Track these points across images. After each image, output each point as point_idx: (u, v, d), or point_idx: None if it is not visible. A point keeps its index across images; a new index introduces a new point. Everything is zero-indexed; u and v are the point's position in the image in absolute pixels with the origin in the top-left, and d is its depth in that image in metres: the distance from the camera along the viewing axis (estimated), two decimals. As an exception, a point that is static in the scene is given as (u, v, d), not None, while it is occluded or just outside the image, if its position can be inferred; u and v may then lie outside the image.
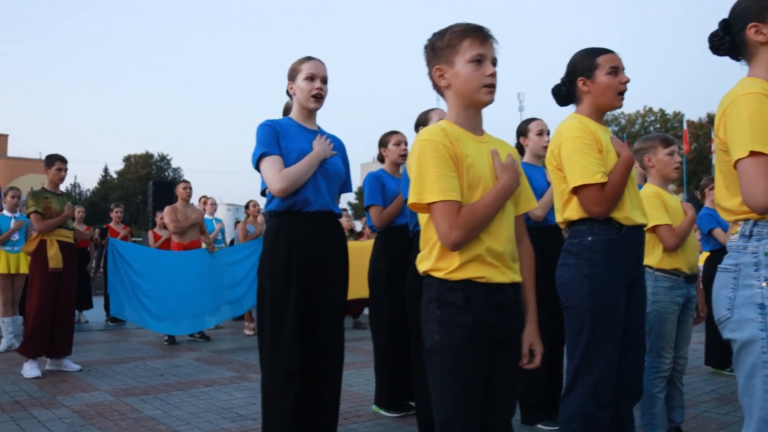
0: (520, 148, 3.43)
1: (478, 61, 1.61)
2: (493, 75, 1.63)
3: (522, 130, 3.50)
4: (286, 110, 3.31)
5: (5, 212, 6.00)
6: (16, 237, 5.87)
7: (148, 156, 45.45)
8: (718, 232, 4.63)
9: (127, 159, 45.86)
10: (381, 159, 3.74)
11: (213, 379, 4.47)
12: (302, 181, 2.38)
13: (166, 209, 6.28)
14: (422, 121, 3.36)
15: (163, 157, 45.94)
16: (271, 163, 2.38)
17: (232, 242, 7.99)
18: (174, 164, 46.51)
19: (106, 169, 47.56)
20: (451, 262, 1.57)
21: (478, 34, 1.63)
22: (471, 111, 1.68)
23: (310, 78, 2.50)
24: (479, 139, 1.67)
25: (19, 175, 33.56)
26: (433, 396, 1.60)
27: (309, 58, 2.55)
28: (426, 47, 1.71)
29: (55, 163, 4.69)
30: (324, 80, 2.53)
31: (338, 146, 2.63)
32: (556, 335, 3.05)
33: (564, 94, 2.23)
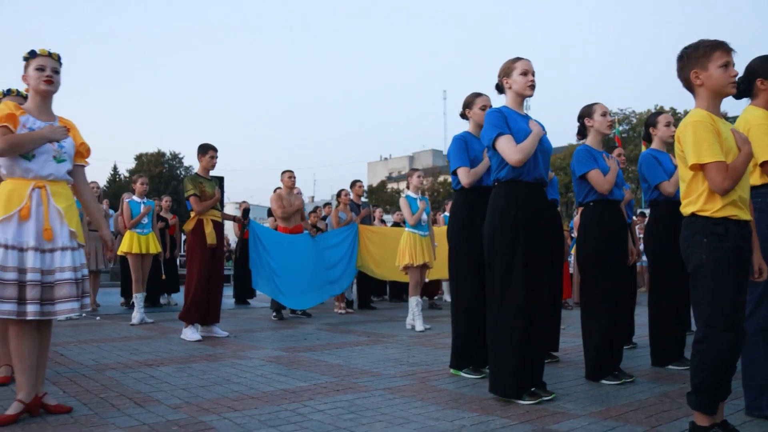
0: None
1: (725, 65, 2.24)
2: (736, 75, 2.26)
3: (651, 122, 4.10)
4: (467, 104, 3.91)
5: (135, 198, 6.59)
6: (145, 220, 6.47)
7: (160, 154, 45.83)
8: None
9: (139, 157, 46.25)
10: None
11: (353, 341, 5.06)
12: (531, 154, 2.98)
13: (273, 196, 6.87)
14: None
15: (175, 156, 46.35)
16: (506, 140, 2.98)
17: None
18: (186, 162, 46.92)
19: (115, 168, 47.98)
20: (714, 205, 2.20)
21: (725, 47, 2.26)
22: (717, 101, 2.30)
23: (525, 73, 3.10)
24: (722, 121, 2.30)
25: None
26: (701, 302, 2.21)
27: (520, 58, 3.16)
28: (681, 57, 2.33)
29: (209, 151, 5.29)
30: (534, 73, 3.13)
31: (543, 129, 3.23)
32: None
33: (742, 90, 2.84)
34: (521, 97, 3.17)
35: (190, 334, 5.08)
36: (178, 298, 8.87)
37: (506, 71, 3.17)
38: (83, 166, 2.92)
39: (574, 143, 38.06)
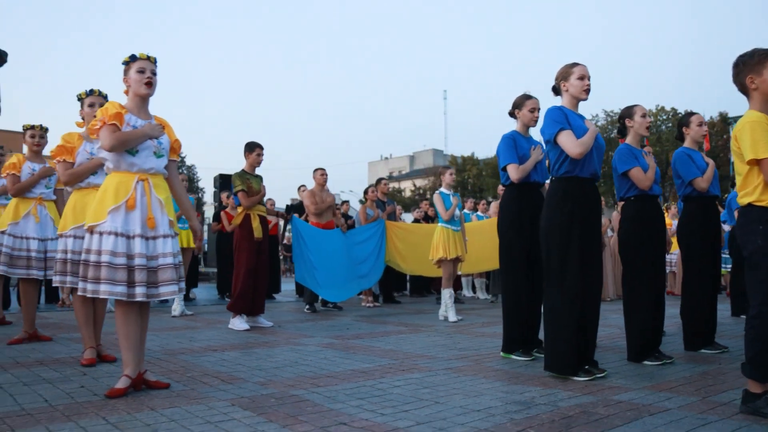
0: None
1: None
2: None
3: (684, 122, 4.36)
4: (517, 105, 4.16)
5: None
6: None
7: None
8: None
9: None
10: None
11: (395, 330, 5.31)
12: (590, 148, 3.23)
13: (306, 193, 7.12)
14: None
15: (177, 155, 46.53)
16: (568, 135, 3.24)
17: None
18: (188, 162, 47.04)
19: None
20: None
21: None
22: None
23: (581, 77, 3.37)
24: None
25: None
26: (756, 283, 2.47)
27: (577, 64, 3.42)
28: (737, 64, 2.60)
29: (255, 149, 5.53)
30: (589, 78, 3.39)
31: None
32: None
33: None
34: (576, 100, 3.43)
35: (239, 323, 5.32)
36: (198, 292, 9.10)
37: (564, 75, 3.43)
38: (175, 161, 3.16)
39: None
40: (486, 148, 79.89)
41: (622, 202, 3.97)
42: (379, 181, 8.29)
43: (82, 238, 3.56)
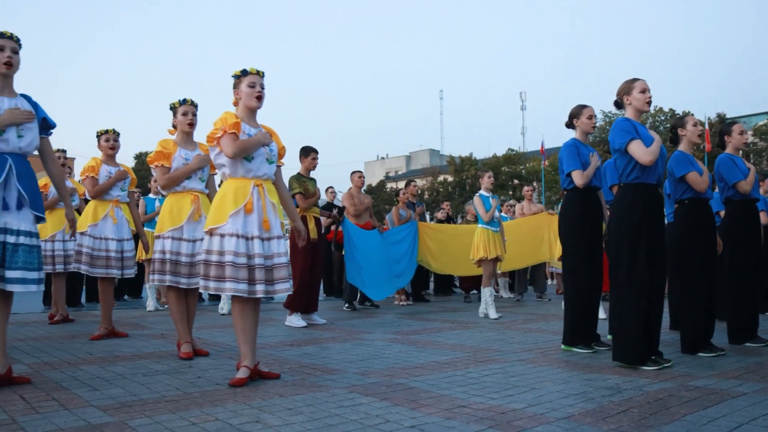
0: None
1: None
2: None
3: (726, 130, 4.66)
4: (574, 115, 4.44)
5: (151, 195, 7.14)
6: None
7: (160, 153, 45.97)
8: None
9: (138, 156, 46.36)
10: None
11: (445, 327, 5.58)
12: (657, 156, 3.53)
13: (345, 195, 7.37)
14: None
15: (175, 155, 46.53)
16: (638, 144, 3.53)
17: None
18: (185, 162, 47.02)
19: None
20: None
21: None
22: None
23: (643, 91, 3.66)
24: None
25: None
26: None
27: (637, 79, 3.71)
28: None
29: (311, 153, 5.78)
30: (650, 90, 3.68)
31: None
32: None
33: None
34: (639, 112, 3.72)
35: (296, 321, 5.57)
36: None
37: (626, 90, 3.73)
38: (280, 167, 3.41)
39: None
40: (484, 148, 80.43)
41: (677, 205, 4.26)
42: (408, 183, 8.56)
43: (180, 239, 3.81)
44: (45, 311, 6.77)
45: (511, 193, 39.84)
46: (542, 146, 29.60)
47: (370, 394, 2.87)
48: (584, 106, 4.42)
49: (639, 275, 3.53)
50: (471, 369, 3.51)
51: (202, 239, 3.85)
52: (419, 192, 9.55)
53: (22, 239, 2.97)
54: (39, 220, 3.12)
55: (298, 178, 5.74)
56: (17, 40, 3.13)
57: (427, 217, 11.56)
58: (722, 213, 4.84)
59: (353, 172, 7.42)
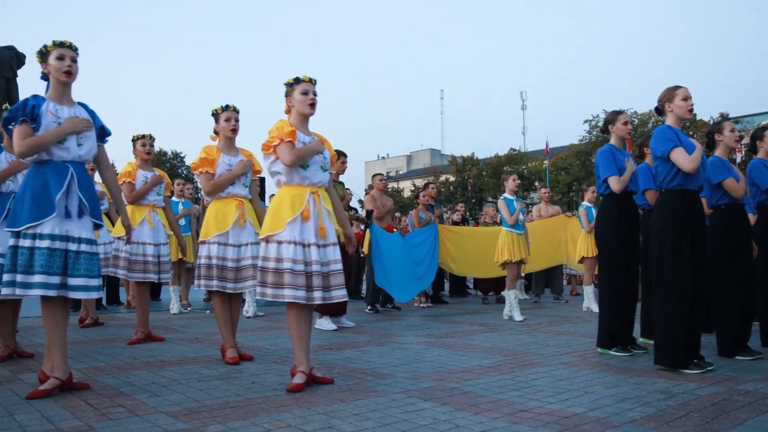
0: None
1: None
2: None
3: (758, 135, 4.72)
4: (610, 121, 4.49)
5: (174, 198, 7.20)
6: (182, 222, 7.13)
7: (161, 153, 45.97)
8: None
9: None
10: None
11: (474, 329, 5.62)
12: (699, 164, 3.59)
13: (367, 198, 7.42)
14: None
15: (176, 155, 46.54)
16: (680, 152, 3.58)
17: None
18: (188, 161, 47.06)
19: (114, 167, 47.94)
20: None
21: None
22: None
23: (685, 99, 3.71)
24: None
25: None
26: None
27: (679, 86, 3.77)
28: None
29: (340, 157, 5.83)
30: (691, 98, 3.74)
31: None
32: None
33: None
34: (681, 120, 3.78)
35: (326, 324, 5.61)
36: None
37: (668, 97, 3.79)
38: (330, 173, 3.45)
39: (575, 143, 38.94)
40: (485, 148, 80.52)
41: (712, 210, 4.32)
42: (426, 185, 8.61)
43: (225, 244, 3.85)
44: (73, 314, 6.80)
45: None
46: (546, 146, 29.63)
47: (429, 398, 2.91)
48: (619, 112, 4.47)
49: (681, 280, 3.59)
50: (517, 372, 3.55)
51: (247, 244, 3.92)
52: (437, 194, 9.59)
53: (83, 247, 3.01)
54: (97, 227, 3.16)
55: (328, 183, 5.78)
56: (75, 49, 3.17)
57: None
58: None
59: (374, 175, 7.47)
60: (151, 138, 4.96)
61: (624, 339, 4.26)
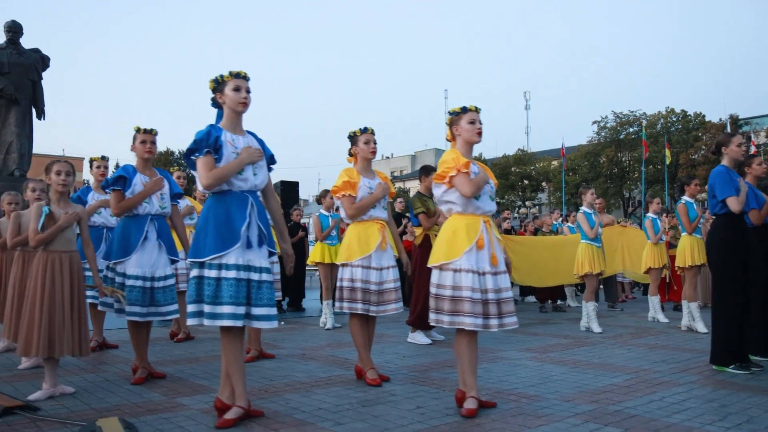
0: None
1: None
2: None
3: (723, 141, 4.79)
4: (723, 143, 4.62)
5: (323, 211, 7.19)
6: (333, 233, 7.07)
7: (168, 153, 45.94)
8: None
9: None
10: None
11: (560, 344, 5.72)
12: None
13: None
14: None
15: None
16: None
17: None
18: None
19: (117, 167, 47.80)
20: None
21: None
22: None
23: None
24: None
25: (38, 174, 33.83)
26: None
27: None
28: None
29: (431, 173, 5.89)
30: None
31: None
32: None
33: None
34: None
35: (420, 338, 5.71)
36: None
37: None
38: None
39: (584, 144, 39.17)
40: (491, 148, 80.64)
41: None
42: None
43: (368, 267, 3.93)
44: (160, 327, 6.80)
45: (521, 193, 40.11)
46: (563, 148, 29.72)
47: (608, 423, 3.01)
48: (732, 135, 4.59)
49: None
50: (659, 393, 3.65)
51: (388, 267, 4.00)
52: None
53: (264, 276, 3.08)
54: (271, 254, 3.23)
55: (420, 197, 5.87)
56: (248, 79, 3.24)
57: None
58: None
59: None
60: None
61: (740, 356, 4.37)
